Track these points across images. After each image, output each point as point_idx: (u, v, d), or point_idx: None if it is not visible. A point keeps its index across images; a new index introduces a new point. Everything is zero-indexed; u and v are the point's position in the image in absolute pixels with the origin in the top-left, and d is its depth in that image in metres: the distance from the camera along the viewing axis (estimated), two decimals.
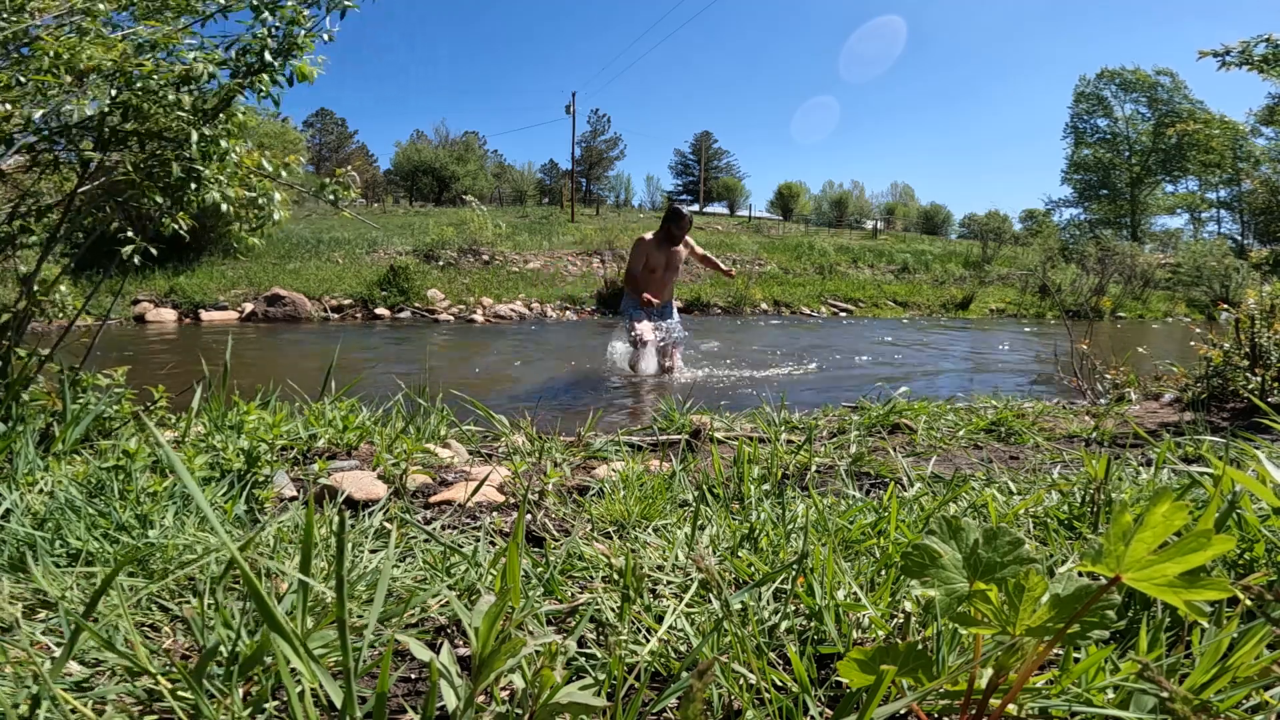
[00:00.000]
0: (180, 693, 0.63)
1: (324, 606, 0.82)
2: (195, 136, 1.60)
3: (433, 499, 1.40)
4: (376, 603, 0.60)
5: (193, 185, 1.63)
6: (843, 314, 15.31)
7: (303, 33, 1.67)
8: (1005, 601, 0.52)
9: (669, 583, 0.91)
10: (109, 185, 1.69)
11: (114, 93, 1.53)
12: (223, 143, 1.67)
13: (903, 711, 0.60)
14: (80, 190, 1.68)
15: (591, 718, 0.54)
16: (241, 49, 1.67)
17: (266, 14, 1.65)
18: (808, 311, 15.19)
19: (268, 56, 1.66)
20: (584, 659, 0.72)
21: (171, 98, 1.56)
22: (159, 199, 1.64)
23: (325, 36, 1.74)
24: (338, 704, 0.52)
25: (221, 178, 1.71)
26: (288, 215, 2.04)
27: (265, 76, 1.66)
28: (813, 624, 0.79)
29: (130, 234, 1.67)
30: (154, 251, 1.73)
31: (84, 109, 1.48)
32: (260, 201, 1.85)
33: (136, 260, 1.66)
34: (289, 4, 1.66)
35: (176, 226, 1.70)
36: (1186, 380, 3.24)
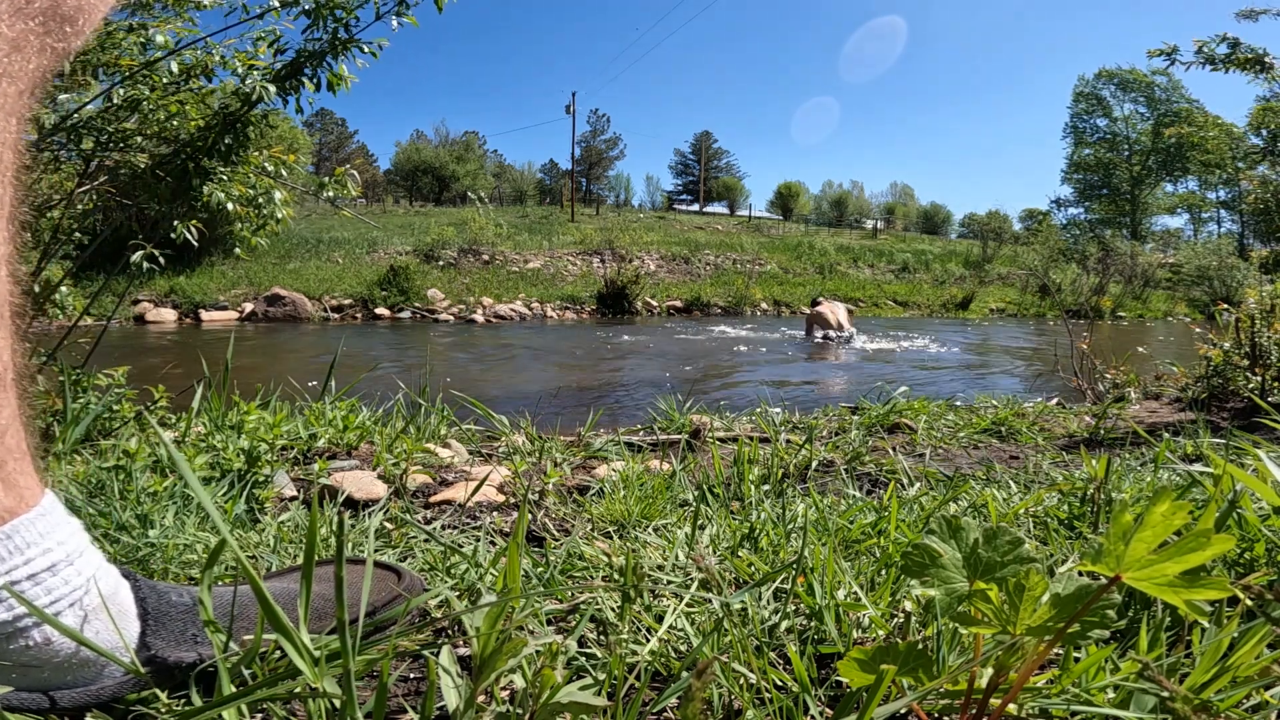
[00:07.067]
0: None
1: None
2: (212, 140, 1.60)
3: (433, 499, 1.40)
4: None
5: (204, 188, 1.62)
6: None
7: (346, 36, 1.66)
8: (1005, 601, 0.52)
9: (669, 582, 0.91)
10: (120, 188, 1.69)
11: (122, 91, 1.53)
12: (245, 150, 1.66)
13: (903, 711, 0.61)
14: (80, 190, 1.68)
15: (592, 717, 0.54)
16: (294, 54, 1.66)
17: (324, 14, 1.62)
18: (808, 311, 15.19)
19: (308, 54, 1.64)
20: (584, 658, 0.72)
21: (197, 94, 1.56)
22: (170, 206, 1.64)
23: (374, 51, 1.70)
24: (337, 704, 0.53)
25: (224, 174, 1.71)
26: (291, 214, 2.04)
27: (303, 80, 1.65)
28: (813, 623, 0.79)
29: (139, 239, 1.67)
30: (161, 260, 1.72)
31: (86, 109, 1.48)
32: (260, 200, 1.85)
33: (145, 266, 1.65)
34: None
35: (187, 234, 1.70)
36: (1187, 380, 3.24)
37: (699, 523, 1.12)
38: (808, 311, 12.14)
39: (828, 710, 0.66)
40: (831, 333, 11.12)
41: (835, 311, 11.67)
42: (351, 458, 1.63)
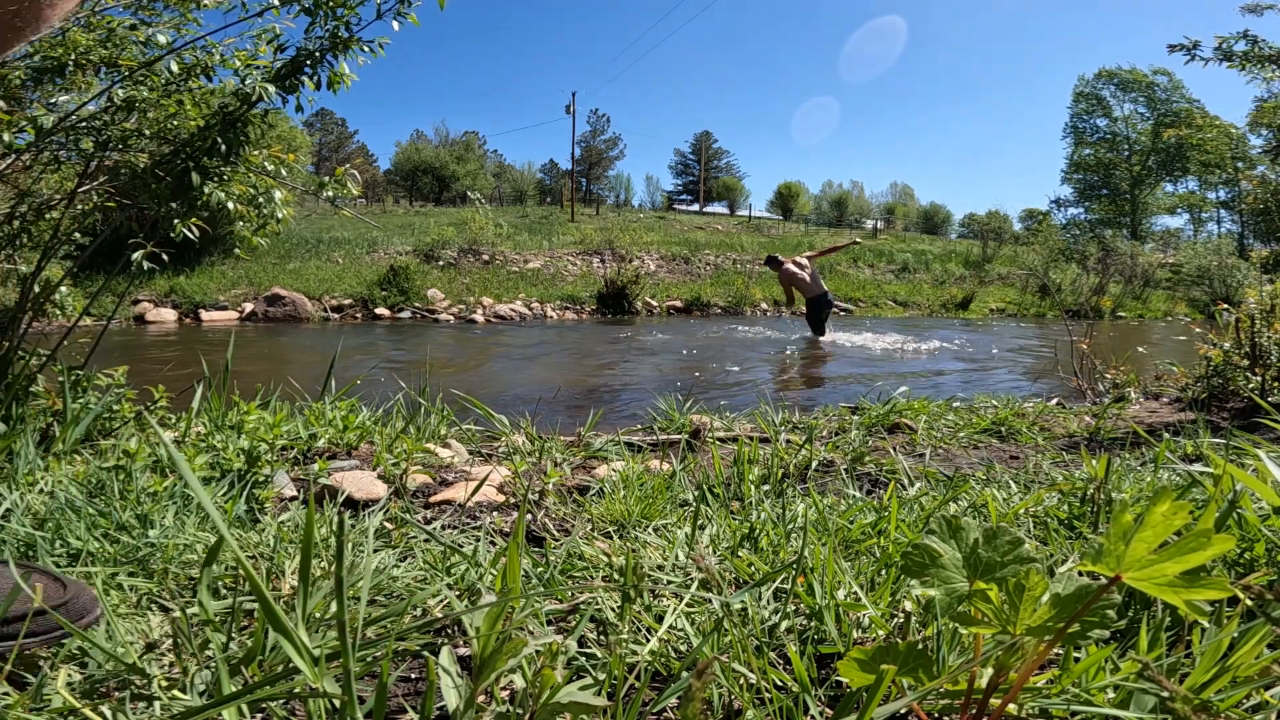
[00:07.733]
0: (180, 696, 0.63)
1: (325, 606, 0.81)
2: (216, 141, 1.59)
3: (433, 499, 1.40)
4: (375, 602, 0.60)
5: (204, 188, 1.62)
6: (843, 313, 15.30)
7: (347, 35, 1.65)
8: (1005, 601, 0.52)
9: (669, 582, 0.91)
10: (120, 188, 1.69)
11: (120, 90, 1.52)
12: (244, 149, 1.66)
13: (903, 711, 0.61)
14: (80, 190, 1.68)
15: (592, 717, 0.54)
16: (293, 53, 1.66)
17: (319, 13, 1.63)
18: (773, 272, 15.17)
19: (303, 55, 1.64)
20: (584, 658, 0.72)
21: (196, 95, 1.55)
22: (173, 204, 1.63)
23: (375, 50, 1.70)
24: (337, 704, 0.52)
25: (224, 173, 1.70)
26: (291, 214, 2.04)
27: (304, 78, 1.65)
28: (813, 623, 0.79)
29: (139, 238, 1.66)
30: (164, 257, 1.71)
31: (85, 108, 1.48)
32: (260, 200, 1.84)
33: (145, 265, 1.65)
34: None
35: (187, 232, 1.69)
36: (1187, 380, 3.24)
37: (699, 523, 1.12)
38: (775, 270, 9.02)
39: (828, 710, 0.66)
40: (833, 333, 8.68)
41: (803, 269, 8.67)
42: (351, 458, 1.63)
